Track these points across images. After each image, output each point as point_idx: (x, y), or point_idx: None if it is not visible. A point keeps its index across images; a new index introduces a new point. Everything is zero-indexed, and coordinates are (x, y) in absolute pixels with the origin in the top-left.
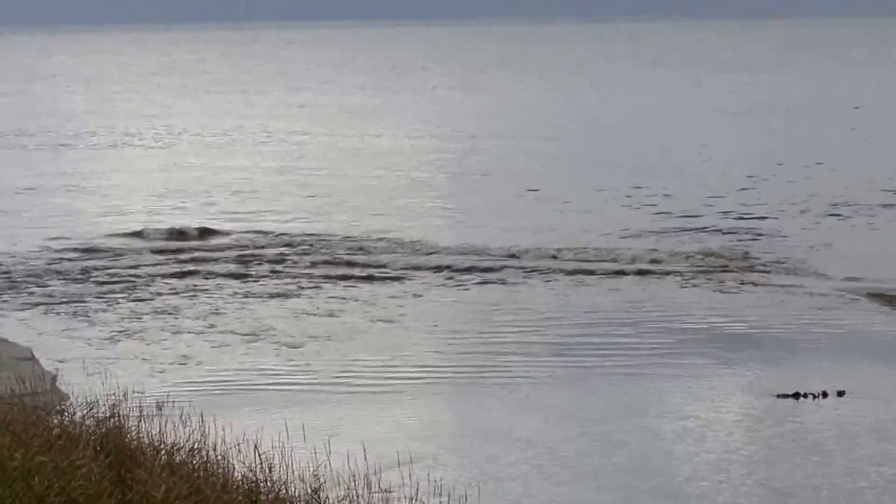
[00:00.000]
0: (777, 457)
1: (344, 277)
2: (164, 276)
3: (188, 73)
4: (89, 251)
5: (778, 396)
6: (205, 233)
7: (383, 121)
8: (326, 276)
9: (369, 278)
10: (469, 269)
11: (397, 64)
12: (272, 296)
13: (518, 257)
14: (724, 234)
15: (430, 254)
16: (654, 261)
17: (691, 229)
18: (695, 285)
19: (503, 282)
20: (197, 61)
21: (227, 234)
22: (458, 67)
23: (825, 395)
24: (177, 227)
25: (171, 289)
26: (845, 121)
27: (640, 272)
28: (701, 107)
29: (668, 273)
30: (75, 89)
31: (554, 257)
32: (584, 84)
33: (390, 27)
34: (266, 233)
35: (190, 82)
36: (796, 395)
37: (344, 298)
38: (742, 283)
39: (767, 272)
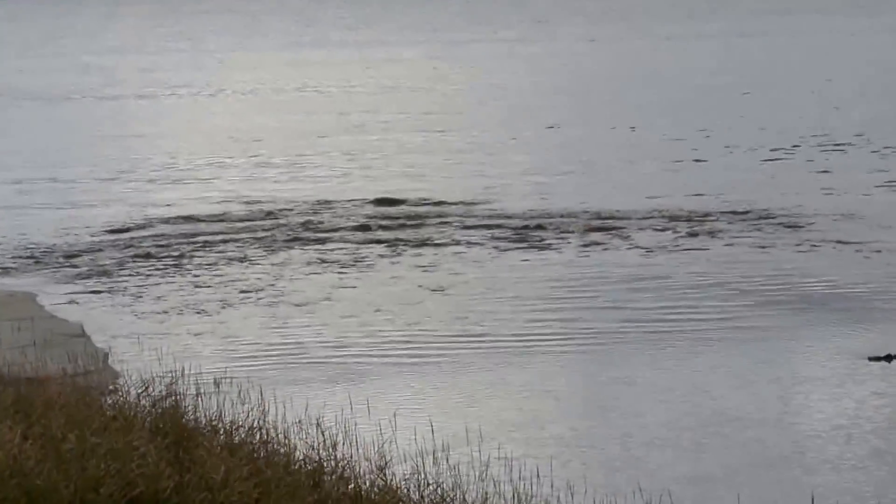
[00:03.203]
0: (883, 423)
1: (399, 244)
2: (217, 247)
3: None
4: (140, 223)
5: (870, 359)
6: (263, 203)
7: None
8: (385, 244)
9: (428, 245)
10: (530, 234)
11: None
12: (331, 265)
13: (581, 222)
14: (796, 193)
15: (491, 217)
16: (720, 219)
17: (762, 186)
18: (766, 244)
19: (565, 247)
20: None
21: (283, 204)
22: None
23: None
24: (234, 197)
25: (225, 261)
26: None
27: (710, 232)
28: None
29: (741, 233)
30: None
31: (609, 221)
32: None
33: None
34: (317, 201)
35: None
36: (888, 358)
37: (402, 265)
38: (819, 242)
39: (837, 230)
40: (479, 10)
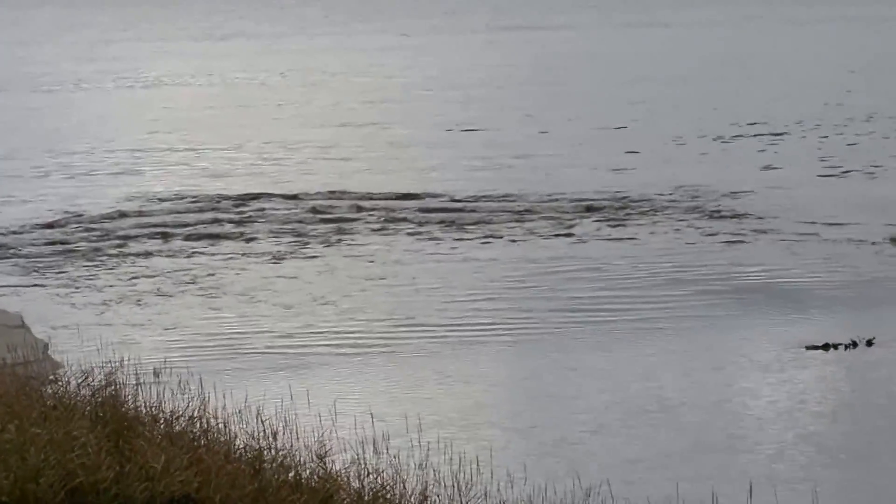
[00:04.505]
0: (820, 411)
1: (338, 235)
2: (155, 238)
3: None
4: (78, 215)
5: (807, 348)
6: (200, 196)
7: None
8: (324, 235)
9: (366, 236)
10: (467, 224)
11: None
12: (268, 256)
13: (512, 208)
14: (733, 182)
15: (428, 208)
16: (652, 210)
17: (689, 178)
18: (704, 233)
19: (502, 237)
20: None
21: (220, 196)
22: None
23: (854, 344)
24: (170, 188)
25: (164, 252)
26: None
27: (647, 222)
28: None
29: (679, 222)
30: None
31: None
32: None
33: None
34: (253, 193)
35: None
36: (825, 346)
37: (341, 256)
38: (756, 231)
39: (776, 218)
40: (381, 4)
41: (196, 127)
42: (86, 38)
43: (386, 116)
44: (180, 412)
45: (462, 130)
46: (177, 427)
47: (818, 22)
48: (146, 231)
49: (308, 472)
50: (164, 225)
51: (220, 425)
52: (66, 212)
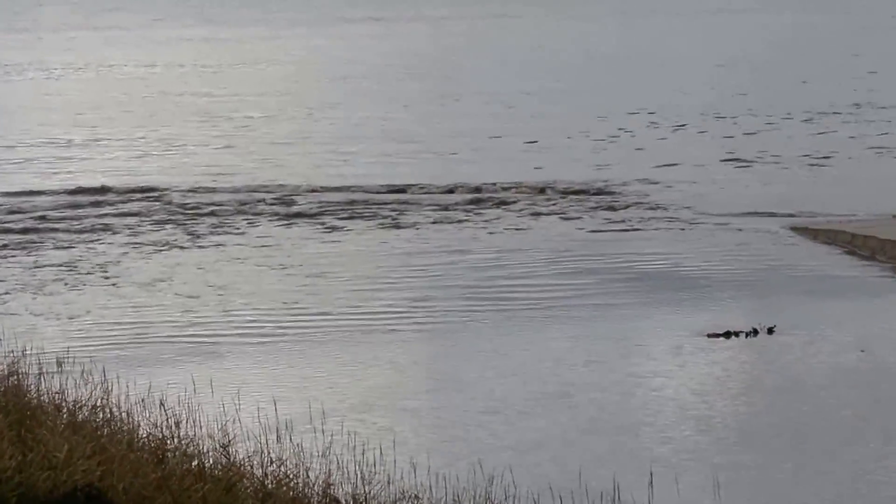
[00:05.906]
0: (720, 396)
1: (241, 225)
2: (58, 228)
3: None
4: None
5: (709, 336)
6: (103, 187)
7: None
8: (226, 225)
9: (270, 226)
10: (374, 212)
11: None
12: (171, 245)
13: (414, 196)
14: (633, 172)
15: (331, 200)
16: (554, 200)
17: (586, 171)
18: (606, 223)
19: (404, 224)
20: None
21: (122, 186)
22: None
23: (756, 332)
24: (73, 178)
25: (67, 241)
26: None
27: (550, 212)
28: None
29: (580, 212)
30: None
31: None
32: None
33: None
34: (154, 185)
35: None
36: (727, 334)
37: (243, 245)
38: (658, 220)
39: (678, 208)
40: None
41: (91, 119)
42: None
43: (282, 108)
44: (83, 401)
45: (356, 122)
46: (80, 416)
47: (708, 14)
48: (45, 223)
49: (211, 460)
50: (64, 218)
51: (124, 414)
52: None
